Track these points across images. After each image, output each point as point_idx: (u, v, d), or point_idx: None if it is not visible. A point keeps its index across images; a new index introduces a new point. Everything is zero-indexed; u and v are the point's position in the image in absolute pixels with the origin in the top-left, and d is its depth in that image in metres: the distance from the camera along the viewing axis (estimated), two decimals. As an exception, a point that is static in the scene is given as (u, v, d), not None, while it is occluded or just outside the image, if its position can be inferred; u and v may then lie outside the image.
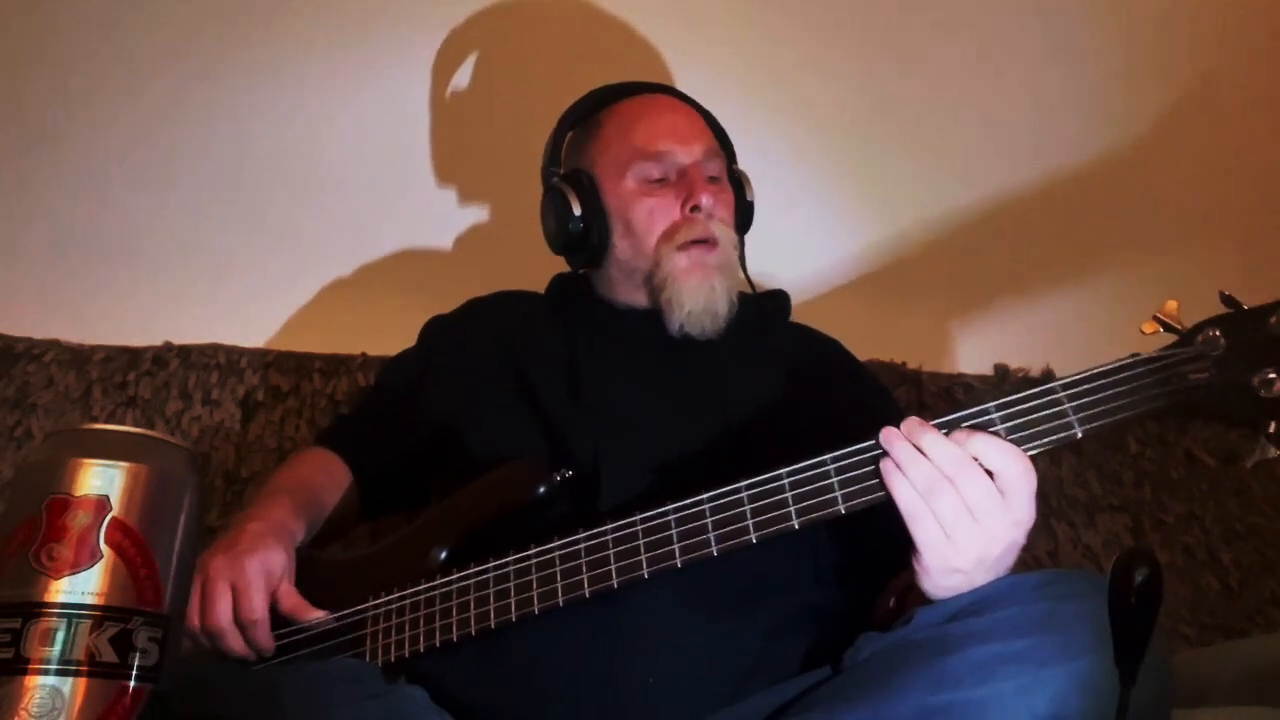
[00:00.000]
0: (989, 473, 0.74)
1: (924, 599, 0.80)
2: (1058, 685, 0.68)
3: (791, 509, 0.80)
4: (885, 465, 0.76)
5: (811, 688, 0.83)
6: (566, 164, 1.19)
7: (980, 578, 0.76)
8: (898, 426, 0.78)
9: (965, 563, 0.74)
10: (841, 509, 0.79)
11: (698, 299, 1.06)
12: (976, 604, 0.75)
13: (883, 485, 0.77)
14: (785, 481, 0.81)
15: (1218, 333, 0.72)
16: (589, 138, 1.17)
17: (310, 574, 1.00)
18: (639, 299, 1.12)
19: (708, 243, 1.08)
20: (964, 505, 0.73)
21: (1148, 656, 0.59)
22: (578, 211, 1.12)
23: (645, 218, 1.10)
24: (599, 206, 1.12)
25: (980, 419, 0.76)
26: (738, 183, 1.18)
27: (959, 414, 0.77)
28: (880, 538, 0.98)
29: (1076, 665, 0.68)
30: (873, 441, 0.79)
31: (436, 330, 1.22)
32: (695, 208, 1.08)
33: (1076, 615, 0.70)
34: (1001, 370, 1.57)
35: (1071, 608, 0.71)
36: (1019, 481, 0.73)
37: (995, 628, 0.72)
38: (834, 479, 0.79)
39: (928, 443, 0.75)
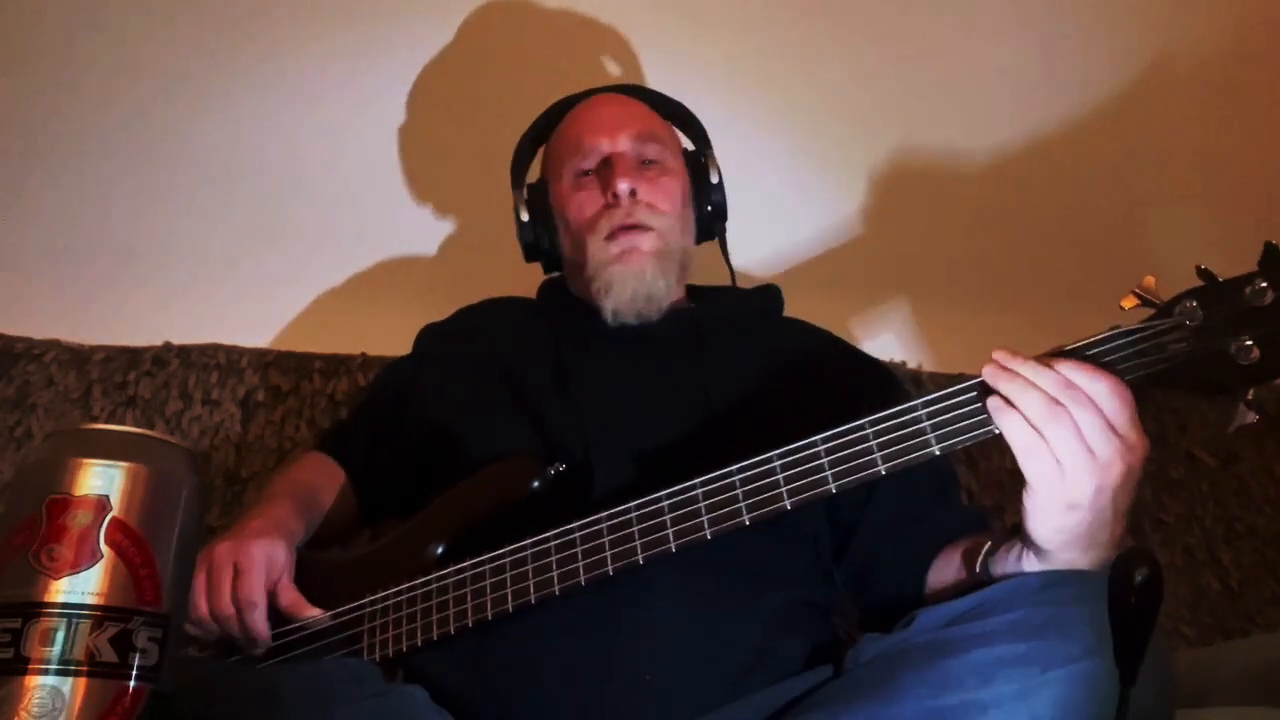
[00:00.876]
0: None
1: (1009, 558, 0.80)
2: (1060, 688, 0.68)
3: (783, 489, 0.81)
4: (993, 402, 0.74)
5: (813, 689, 0.83)
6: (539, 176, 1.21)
7: (1102, 518, 0.73)
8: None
9: (1082, 496, 0.72)
10: (833, 487, 0.79)
11: (625, 286, 1.06)
12: (978, 607, 0.75)
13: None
14: (776, 464, 0.82)
15: (1195, 304, 0.73)
16: (547, 148, 1.21)
17: (308, 574, 1.00)
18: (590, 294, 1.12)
19: (636, 229, 1.07)
20: (1076, 432, 0.71)
21: (1148, 657, 0.59)
22: (525, 217, 1.15)
23: (576, 212, 1.11)
24: (546, 211, 1.15)
25: (1089, 349, 0.75)
26: (699, 167, 1.16)
27: (1065, 348, 0.76)
28: (883, 534, 0.99)
29: (1079, 668, 0.68)
30: (858, 422, 0.79)
31: (429, 338, 1.23)
32: (615, 194, 1.07)
33: (1078, 618, 0.69)
34: (1002, 370, 1.57)
35: (1074, 611, 0.70)
36: (1113, 401, 0.71)
37: (997, 631, 0.72)
38: (824, 459, 0.80)
39: (1030, 372, 0.73)
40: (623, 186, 1.07)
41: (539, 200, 1.16)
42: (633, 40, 1.60)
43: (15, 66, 1.51)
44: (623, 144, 1.11)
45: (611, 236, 1.07)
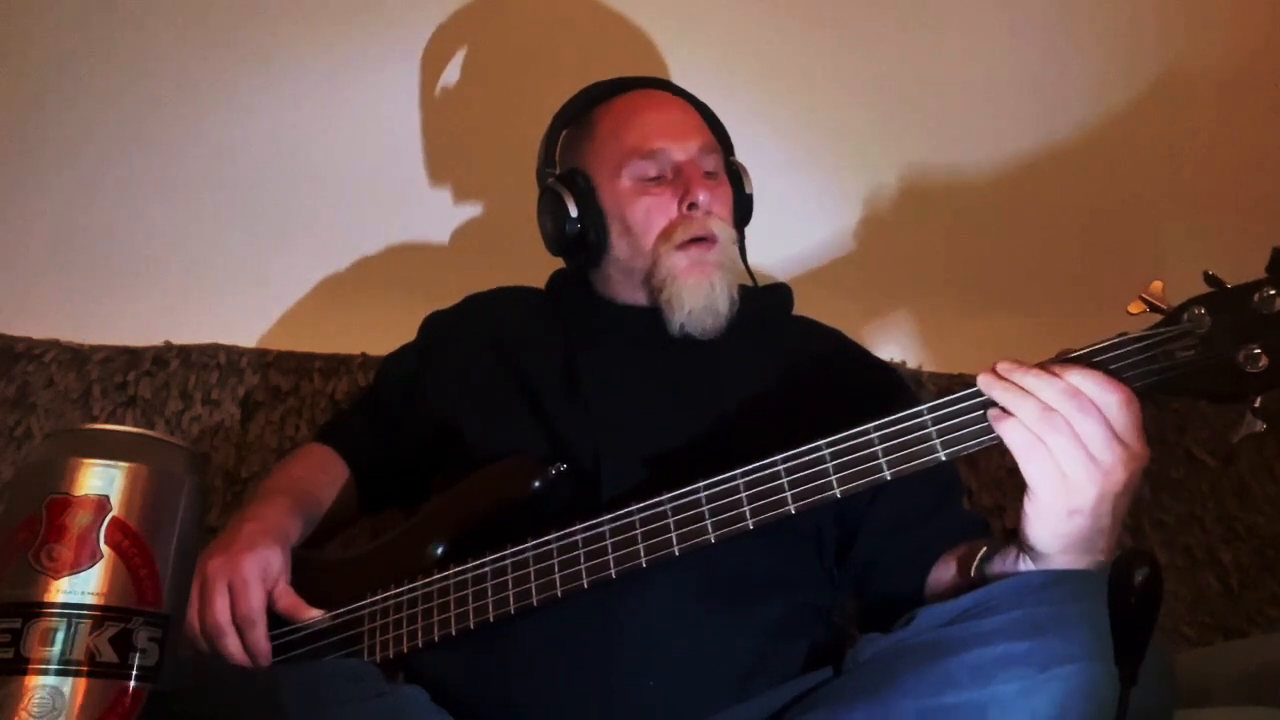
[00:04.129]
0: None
1: (1005, 562, 0.80)
2: (1059, 687, 0.68)
3: (788, 493, 0.81)
4: (992, 411, 0.75)
5: (812, 689, 0.83)
6: (562, 163, 1.17)
7: (1101, 524, 0.74)
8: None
9: (1085, 502, 0.72)
10: (837, 492, 0.80)
11: (697, 298, 1.05)
12: (978, 606, 0.75)
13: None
14: (781, 468, 0.82)
15: (1202, 311, 0.72)
16: (583, 136, 1.16)
17: (307, 573, 1.00)
18: (638, 298, 1.11)
19: (706, 240, 1.07)
20: (1077, 440, 0.71)
21: (1149, 657, 0.59)
22: (574, 213, 1.11)
23: (642, 217, 1.08)
24: (595, 207, 1.11)
25: (1095, 355, 0.75)
26: (736, 176, 1.16)
27: (1071, 353, 0.76)
28: (888, 535, 0.99)
29: (1079, 667, 0.68)
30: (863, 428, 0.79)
31: (435, 326, 1.22)
32: (692, 205, 1.07)
33: (1079, 617, 0.69)
34: (1002, 370, 1.57)
35: (1074, 610, 0.70)
36: (1121, 412, 0.72)
37: (997, 630, 0.72)
38: (829, 464, 0.80)
39: (1030, 380, 0.73)
40: (703, 198, 1.07)
41: (583, 194, 1.12)
42: (650, 35, 1.59)
43: (15, 66, 1.51)
44: (692, 152, 1.10)
45: (683, 247, 1.06)
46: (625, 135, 1.11)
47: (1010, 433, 0.73)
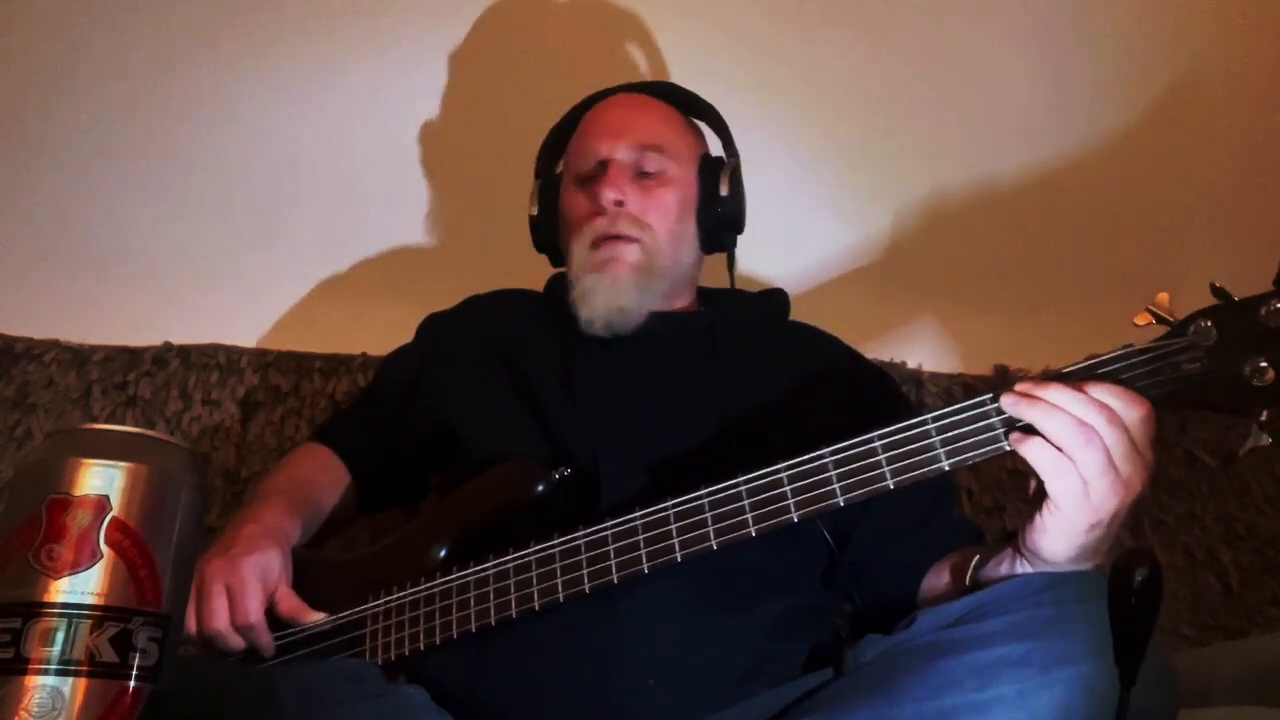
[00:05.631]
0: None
1: (1000, 568, 0.80)
2: (1060, 689, 0.68)
3: (790, 501, 0.81)
4: (1014, 435, 0.74)
5: (813, 690, 0.83)
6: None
7: (1111, 533, 0.75)
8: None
9: (1105, 515, 0.72)
10: (840, 500, 0.79)
11: (597, 296, 1.05)
12: (979, 608, 0.75)
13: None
14: (784, 475, 0.82)
15: (1209, 323, 0.72)
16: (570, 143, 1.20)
17: (309, 574, 1.00)
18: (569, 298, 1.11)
19: (621, 239, 1.06)
20: (1107, 455, 0.71)
21: (1149, 658, 0.59)
22: (534, 212, 1.16)
23: (570, 214, 1.12)
24: (555, 208, 1.15)
25: (1100, 366, 0.74)
26: (711, 176, 1.13)
27: (1079, 364, 0.76)
28: (887, 537, 0.99)
29: (1080, 669, 0.68)
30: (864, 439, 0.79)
31: (434, 327, 1.22)
32: (602, 204, 1.07)
33: (1079, 619, 0.69)
34: (1001, 370, 1.57)
35: (1074, 611, 0.70)
36: (1142, 426, 0.72)
37: (998, 632, 0.72)
38: (832, 472, 0.80)
39: (1059, 397, 0.72)
40: (608, 196, 1.06)
41: (551, 195, 1.16)
42: (656, 38, 1.59)
43: (13, 66, 1.51)
44: (621, 151, 1.09)
45: (596, 245, 1.07)
46: (577, 136, 1.16)
47: (1036, 452, 0.72)
